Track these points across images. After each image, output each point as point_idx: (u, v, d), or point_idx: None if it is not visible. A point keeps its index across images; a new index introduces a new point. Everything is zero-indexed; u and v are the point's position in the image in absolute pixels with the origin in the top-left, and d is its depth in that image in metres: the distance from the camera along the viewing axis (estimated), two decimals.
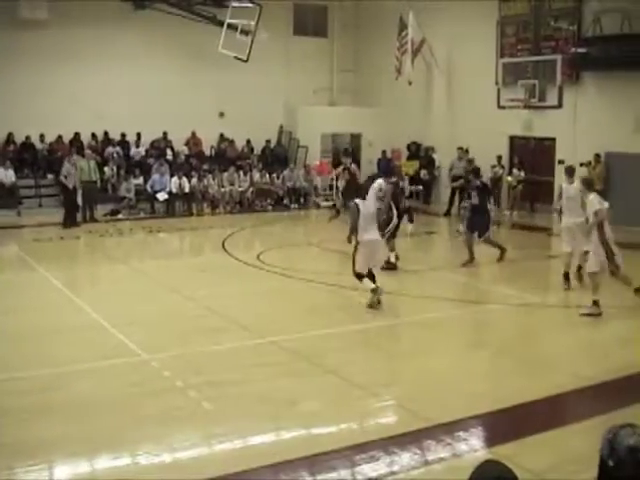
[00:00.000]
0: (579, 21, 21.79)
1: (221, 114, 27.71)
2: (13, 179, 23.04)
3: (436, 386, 8.76)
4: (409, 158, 27.03)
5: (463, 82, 25.41)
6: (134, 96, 25.07)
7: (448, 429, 7.32)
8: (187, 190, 23.93)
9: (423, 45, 26.03)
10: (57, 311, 12.01)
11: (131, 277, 15.25)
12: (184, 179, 24.00)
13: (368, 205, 12.34)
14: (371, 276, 12.21)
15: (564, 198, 13.87)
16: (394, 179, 15.86)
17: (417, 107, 27.08)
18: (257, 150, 28.20)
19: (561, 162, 22.49)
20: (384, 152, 27.15)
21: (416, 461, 6.75)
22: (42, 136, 24.80)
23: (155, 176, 23.83)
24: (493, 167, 23.57)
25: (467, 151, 23.63)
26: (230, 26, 24.59)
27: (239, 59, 24.79)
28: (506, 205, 23.55)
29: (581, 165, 20.39)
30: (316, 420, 7.72)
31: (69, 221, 20.66)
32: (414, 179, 21.24)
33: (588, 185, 12.07)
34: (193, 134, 27.24)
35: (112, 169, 24.60)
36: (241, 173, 25.51)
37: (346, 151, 22.26)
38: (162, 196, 23.59)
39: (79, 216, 21.35)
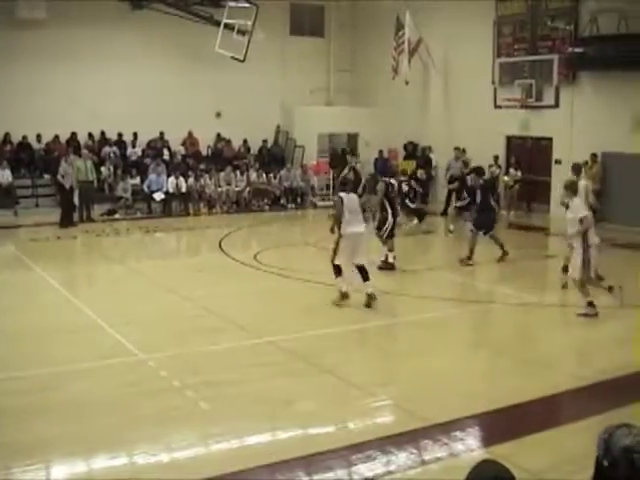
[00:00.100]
0: (576, 21, 21.81)
1: (218, 114, 27.71)
2: (10, 179, 23.01)
3: (433, 386, 8.76)
4: (406, 158, 27.05)
5: (460, 82, 25.42)
6: (131, 96, 25.05)
7: (445, 429, 7.33)
8: (184, 190, 23.91)
9: (420, 45, 26.03)
10: (54, 311, 12.00)
11: (128, 277, 15.23)
12: (181, 179, 23.99)
13: (352, 198, 12.44)
14: (363, 273, 12.25)
15: None
16: (390, 179, 15.96)
17: (414, 107, 27.09)
18: (254, 150, 28.19)
19: (558, 162, 22.57)
20: (381, 152, 27.16)
21: (413, 461, 6.75)
22: (39, 136, 24.77)
23: (152, 176, 23.81)
24: (490, 167, 23.41)
25: (464, 151, 23.63)
26: (227, 26, 24.57)
27: (236, 59, 24.77)
28: (503, 205, 23.55)
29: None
30: (313, 420, 7.73)
31: (66, 221, 20.63)
32: (410, 178, 21.30)
33: (572, 189, 12.00)
34: (190, 134, 27.23)
35: (109, 169, 24.57)
36: (238, 173, 25.50)
37: (352, 151, 23.21)
38: (159, 196, 23.57)
39: (76, 216, 21.31)
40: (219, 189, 24.73)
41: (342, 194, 12.43)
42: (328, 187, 26.97)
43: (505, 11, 24.07)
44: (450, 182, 22.44)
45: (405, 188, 20.24)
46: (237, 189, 25.07)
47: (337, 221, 12.26)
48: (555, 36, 22.39)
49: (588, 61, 20.93)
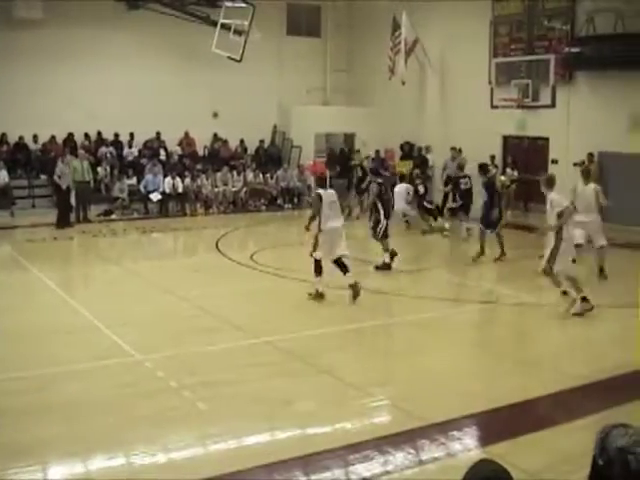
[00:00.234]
0: (572, 21, 21.83)
1: (214, 114, 27.71)
2: (6, 179, 22.96)
3: (431, 386, 8.77)
4: (402, 158, 27.05)
5: (456, 82, 25.43)
6: (127, 96, 25.05)
7: (442, 428, 7.33)
8: (180, 190, 23.91)
9: (416, 45, 26.04)
10: (50, 312, 11.98)
11: (124, 277, 15.22)
12: (177, 179, 23.98)
13: (330, 194, 12.70)
14: (342, 267, 12.44)
15: (580, 198, 14.22)
16: (380, 180, 16.08)
17: (410, 107, 27.09)
18: (251, 150, 28.20)
19: (554, 162, 22.58)
20: (377, 152, 27.16)
21: (410, 461, 6.75)
22: (35, 136, 24.75)
23: (148, 176, 23.81)
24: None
25: (460, 151, 23.63)
26: (223, 26, 24.57)
27: (232, 59, 24.77)
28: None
29: (574, 165, 20.43)
30: (310, 420, 7.73)
31: (62, 222, 20.61)
32: (403, 178, 21.43)
33: (549, 184, 12.07)
34: (186, 134, 27.22)
35: (105, 169, 24.54)
36: (234, 173, 25.51)
37: (358, 151, 23.77)
38: (155, 196, 23.56)
39: (72, 216, 21.29)
40: (216, 189, 24.73)
41: (320, 190, 12.78)
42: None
43: (501, 11, 24.10)
44: (446, 182, 22.43)
45: (422, 190, 20.42)
46: (234, 189, 25.06)
47: (313, 218, 12.55)
48: (552, 36, 22.41)
49: (585, 61, 20.96)
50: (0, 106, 23.10)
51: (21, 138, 24.48)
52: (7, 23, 23.20)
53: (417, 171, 22.68)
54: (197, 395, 8.24)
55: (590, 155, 20.82)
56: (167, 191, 23.69)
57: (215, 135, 27.97)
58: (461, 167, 20.01)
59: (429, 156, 26.08)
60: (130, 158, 25.77)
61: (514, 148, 24.37)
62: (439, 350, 10.31)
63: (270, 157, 28.18)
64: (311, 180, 26.69)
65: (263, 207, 25.29)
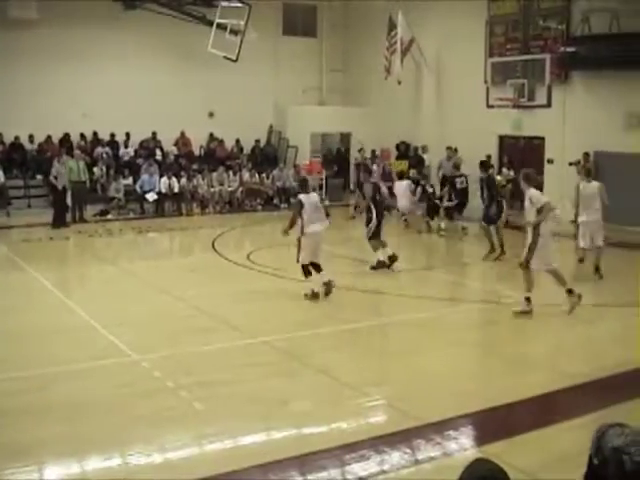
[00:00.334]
0: (568, 20, 21.85)
1: (210, 114, 27.71)
2: (2, 180, 22.95)
3: (427, 385, 8.77)
4: (398, 158, 27.04)
5: (452, 81, 25.44)
6: (123, 96, 25.02)
7: (438, 428, 7.34)
8: (176, 190, 23.90)
9: (412, 44, 26.05)
10: (47, 312, 11.97)
11: (121, 278, 15.21)
12: (173, 179, 23.97)
13: (312, 198, 12.79)
14: (316, 267, 12.67)
15: (582, 196, 14.53)
16: (373, 180, 16.22)
17: (406, 107, 27.11)
18: (247, 150, 28.21)
19: (550, 161, 22.61)
20: (373, 151, 27.15)
21: (406, 460, 6.76)
22: (31, 136, 24.73)
23: (144, 176, 23.79)
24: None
25: (456, 150, 23.64)
26: (219, 26, 24.58)
27: (228, 59, 24.77)
28: None
29: (570, 164, 20.48)
30: (307, 420, 7.73)
31: (58, 222, 20.60)
32: (402, 175, 21.52)
33: (528, 180, 12.10)
34: (182, 134, 27.21)
35: (101, 169, 24.53)
36: (230, 173, 25.50)
37: (361, 150, 23.92)
38: (151, 196, 23.55)
39: (68, 216, 21.29)
40: (212, 189, 24.72)
41: (301, 196, 12.76)
42: (321, 187, 26.95)
43: (497, 11, 24.12)
44: (442, 182, 22.43)
45: (430, 189, 20.51)
46: (230, 189, 25.06)
47: (292, 222, 12.63)
48: (547, 36, 22.43)
49: (580, 60, 20.97)
50: None
51: (17, 138, 24.46)
52: (1, 23, 23.16)
53: (413, 171, 22.71)
54: (193, 395, 8.24)
55: (586, 155, 20.81)
56: (163, 191, 23.68)
57: (211, 135, 27.96)
58: (457, 166, 20.06)
59: (425, 156, 26.08)
60: (126, 158, 25.76)
61: (510, 148, 24.38)
62: (435, 350, 10.31)
63: (266, 157, 28.19)
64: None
65: (259, 207, 25.28)
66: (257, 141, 28.41)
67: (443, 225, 20.14)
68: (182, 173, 24.59)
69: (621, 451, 2.71)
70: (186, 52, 25.60)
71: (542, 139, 23.08)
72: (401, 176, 21.53)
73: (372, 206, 15.22)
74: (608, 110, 20.41)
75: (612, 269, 14.46)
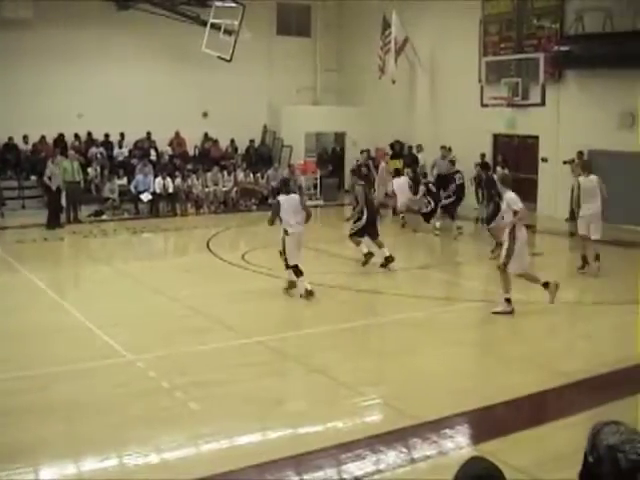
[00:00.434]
0: (562, 19, 21.90)
1: (205, 114, 27.70)
2: None
3: (422, 384, 8.78)
4: (393, 157, 27.03)
5: (446, 81, 25.48)
6: (118, 96, 24.98)
7: (434, 427, 7.34)
8: (171, 190, 23.85)
9: (406, 44, 26.08)
10: (41, 312, 11.93)
11: (115, 278, 15.18)
12: (168, 179, 23.92)
13: (292, 199, 12.87)
14: (299, 272, 12.76)
15: (583, 191, 14.62)
16: (362, 182, 16.28)
17: (401, 106, 27.13)
18: (241, 150, 28.20)
19: (544, 160, 22.66)
20: (368, 151, 27.13)
21: (402, 459, 6.76)
22: (25, 137, 24.67)
23: (139, 176, 23.75)
24: (477, 165, 23.59)
25: (450, 149, 23.64)
26: (213, 26, 24.57)
27: (222, 59, 24.76)
28: None
29: (564, 163, 20.51)
30: (302, 419, 7.73)
31: (53, 222, 20.54)
32: (399, 172, 21.57)
33: (504, 182, 12.16)
34: (177, 134, 27.19)
35: (96, 170, 24.48)
36: (225, 173, 25.47)
37: (362, 151, 23.69)
38: (146, 197, 23.50)
39: (63, 217, 21.24)
40: (206, 189, 24.69)
41: (280, 197, 12.90)
42: (315, 187, 26.97)
43: (491, 10, 24.16)
44: (437, 180, 22.42)
45: (434, 188, 20.50)
46: (224, 189, 25.02)
47: (270, 222, 12.98)
48: (541, 35, 22.47)
49: (574, 59, 21.02)
50: None
51: (10, 139, 24.39)
52: None
53: (408, 170, 22.73)
54: (189, 395, 8.23)
55: (580, 153, 20.84)
56: (158, 191, 23.63)
57: (205, 135, 27.95)
58: (453, 162, 20.18)
59: (420, 155, 26.07)
60: (120, 158, 25.72)
61: (504, 146, 24.41)
62: (432, 349, 10.31)
63: (260, 157, 28.18)
64: (302, 180, 26.69)
65: (254, 207, 25.24)
66: (252, 141, 28.40)
67: (438, 225, 20.12)
68: (177, 173, 24.54)
69: (616, 449, 2.72)
70: (180, 52, 25.59)
71: (536, 138, 23.14)
72: (397, 173, 21.55)
73: (365, 208, 15.28)
74: (602, 109, 20.45)
75: (610, 267, 14.50)
